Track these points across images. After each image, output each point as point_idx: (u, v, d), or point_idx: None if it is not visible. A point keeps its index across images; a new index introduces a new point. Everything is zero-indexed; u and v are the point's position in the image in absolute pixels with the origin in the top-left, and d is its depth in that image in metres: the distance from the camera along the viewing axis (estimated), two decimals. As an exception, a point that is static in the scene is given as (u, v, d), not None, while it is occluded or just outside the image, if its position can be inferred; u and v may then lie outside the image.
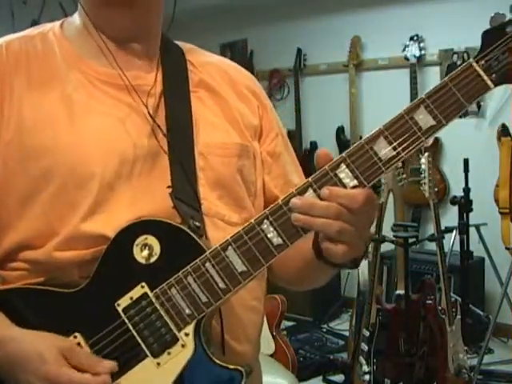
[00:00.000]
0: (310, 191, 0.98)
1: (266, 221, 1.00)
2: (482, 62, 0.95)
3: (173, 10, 1.25)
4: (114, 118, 1.10)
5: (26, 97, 1.08)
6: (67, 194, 1.06)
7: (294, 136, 5.27)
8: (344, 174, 0.98)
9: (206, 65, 1.25)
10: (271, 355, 3.46)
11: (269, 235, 1.00)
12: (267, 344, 3.48)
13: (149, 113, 1.11)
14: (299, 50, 5.36)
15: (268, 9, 5.37)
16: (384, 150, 0.97)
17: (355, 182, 0.98)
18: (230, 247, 1.01)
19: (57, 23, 1.20)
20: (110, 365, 1.01)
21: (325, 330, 4.71)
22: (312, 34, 5.26)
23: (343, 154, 0.98)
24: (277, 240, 1.00)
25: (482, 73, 0.95)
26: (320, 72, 5.31)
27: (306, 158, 5.25)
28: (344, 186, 0.98)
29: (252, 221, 1.01)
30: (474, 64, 0.96)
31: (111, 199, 1.07)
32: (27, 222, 1.07)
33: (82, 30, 1.16)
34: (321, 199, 0.98)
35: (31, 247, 1.07)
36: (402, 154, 0.97)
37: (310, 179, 0.99)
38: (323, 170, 0.98)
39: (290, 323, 4.72)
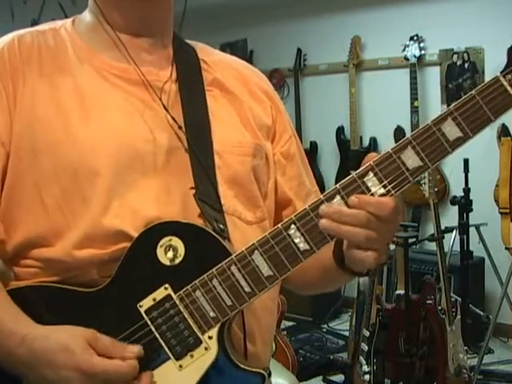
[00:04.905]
0: (338, 198, 0.98)
1: (293, 226, 0.99)
2: (509, 76, 0.95)
3: (183, 10, 1.25)
4: (126, 112, 1.09)
5: (38, 89, 1.08)
6: (79, 188, 1.05)
7: (294, 136, 5.26)
8: (371, 182, 0.98)
9: (219, 64, 1.24)
10: (271, 355, 3.45)
11: (295, 240, 0.99)
12: (267, 344, 3.47)
13: (164, 106, 1.10)
14: (299, 50, 5.35)
15: (268, 9, 5.36)
16: (411, 159, 0.97)
17: (383, 191, 0.98)
18: (256, 251, 1.00)
19: (68, 20, 1.19)
20: (136, 349, 0.99)
21: (325, 330, 4.71)
22: (312, 33, 5.25)
23: (371, 163, 0.98)
24: (303, 245, 0.99)
25: (508, 88, 0.95)
26: (320, 72, 5.31)
27: (306, 158, 5.23)
28: (371, 194, 0.98)
29: (279, 226, 1.00)
30: (502, 78, 0.95)
31: (127, 194, 1.06)
32: (39, 216, 1.05)
33: (94, 25, 1.16)
34: (349, 207, 0.97)
35: (45, 244, 1.05)
36: (429, 165, 0.97)
37: (337, 186, 0.99)
38: (351, 177, 0.98)
39: (290, 323, 4.72)
